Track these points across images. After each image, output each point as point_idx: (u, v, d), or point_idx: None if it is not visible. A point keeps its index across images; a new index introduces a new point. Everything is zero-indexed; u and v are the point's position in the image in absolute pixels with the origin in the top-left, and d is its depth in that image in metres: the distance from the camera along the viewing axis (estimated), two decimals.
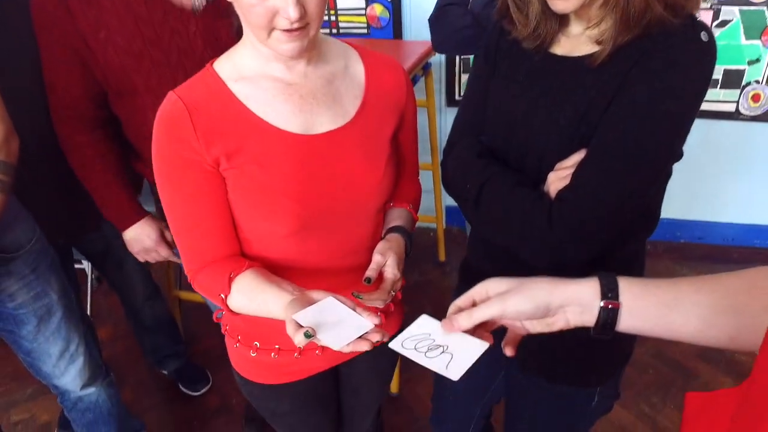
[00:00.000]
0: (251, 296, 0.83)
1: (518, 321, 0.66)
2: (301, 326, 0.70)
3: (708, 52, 0.74)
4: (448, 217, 3.01)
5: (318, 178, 0.86)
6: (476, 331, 0.68)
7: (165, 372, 2.10)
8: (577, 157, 0.80)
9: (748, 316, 0.56)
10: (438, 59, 2.63)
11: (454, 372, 0.65)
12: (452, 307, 0.69)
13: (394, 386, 2.01)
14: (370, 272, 0.88)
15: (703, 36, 0.74)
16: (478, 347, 0.67)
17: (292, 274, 0.92)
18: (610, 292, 0.60)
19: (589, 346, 0.93)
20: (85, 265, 2.52)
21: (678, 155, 0.82)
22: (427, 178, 2.66)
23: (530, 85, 0.86)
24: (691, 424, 0.61)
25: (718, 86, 2.42)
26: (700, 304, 0.58)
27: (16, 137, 1.14)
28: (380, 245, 0.92)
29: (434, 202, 2.63)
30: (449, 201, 3.16)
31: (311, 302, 0.75)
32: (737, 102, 2.46)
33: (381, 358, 1.14)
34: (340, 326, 0.71)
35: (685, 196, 2.66)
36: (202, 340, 2.32)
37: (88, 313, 2.48)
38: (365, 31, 2.63)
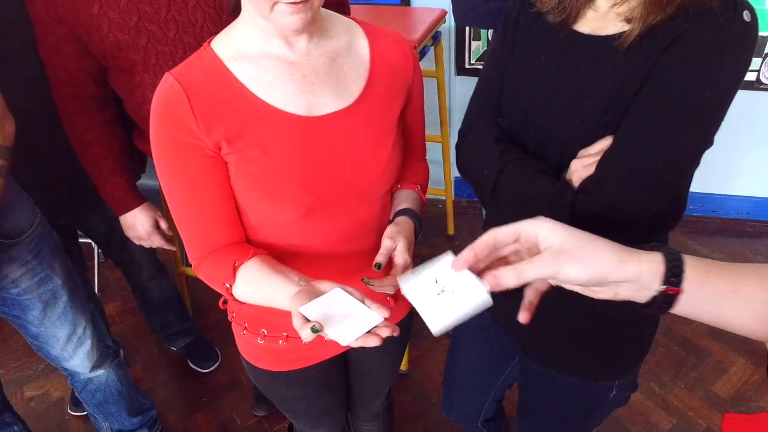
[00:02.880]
0: (256, 286, 0.81)
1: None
2: (308, 320, 0.68)
3: (750, 33, 0.68)
4: (457, 190, 2.96)
5: (323, 162, 0.83)
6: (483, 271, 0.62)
7: (174, 348, 2.11)
8: (603, 144, 0.75)
9: None
10: (447, 26, 2.54)
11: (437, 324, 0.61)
12: (488, 236, 0.60)
13: (403, 364, 2.01)
14: (380, 257, 0.85)
15: (746, 16, 0.68)
16: (479, 298, 0.60)
17: (299, 260, 0.90)
18: (674, 277, 0.55)
19: (610, 340, 0.91)
20: (91, 240, 2.52)
21: (710, 143, 0.77)
22: (436, 150, 2.60)
23: (553, 65, 0.81)
24: None
25: None
26: (757, 299, 0.54)
27: (11, 119, 1.11)
28: (389, 229, 0.89)
29: (443, 174, 2.59)
30: (458, 173, 3.11)
31: (318, 293, 0.72)
32: (758, 71, 2.37)
33: (389, 341, 1.13)
34: (348, 320, 0.69)
35: (699, 168, 2.58)
36: (210, 316, 2.32)
37: (96, 288, 2.48)
38: None
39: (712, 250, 2.54)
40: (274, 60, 0.80)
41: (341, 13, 0.93)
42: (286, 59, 0.81)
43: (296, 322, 0.69)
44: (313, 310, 0.69)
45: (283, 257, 0.87)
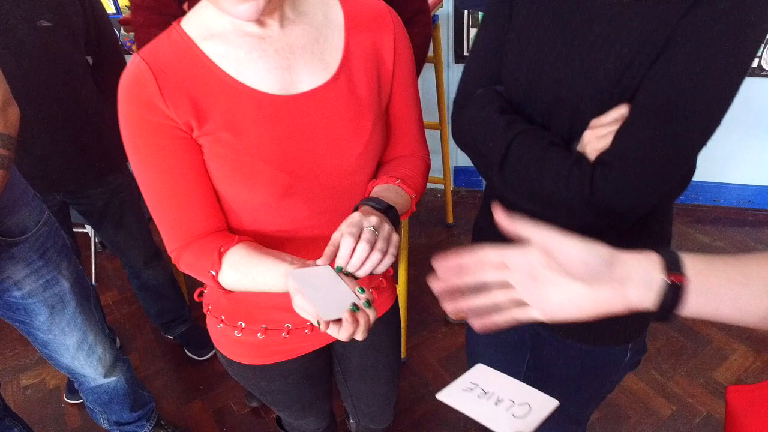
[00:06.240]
0: (245, 270, 0.76)
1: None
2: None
3: None
4: (456, 179, 2.94)
5: (299, 141, 0.79)
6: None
7: (171, 337, 2.09)
8: (617, 113, 0.72)
9: None
10: (445, 11, 2.51)
11: None
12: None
13: (401, 352, 2.00)
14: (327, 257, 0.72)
15: None
16: (549, 405, 0.61)
17: (283, 245, 0.86)
18: (672, 266, 0.53)
19: None
20: (89, 229, 2.50)
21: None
22: (434, 138, 2.58)
23: (559, 30, 0.76)
24: (740, 419, 0.58)
25: None
26: None
27: (15, 106, 1.04)
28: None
29: (442, 162, 2.56)
30: (457, 162, 3.09)
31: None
32: (760, 57, 2.35)
33: (378, 335, 1.10)
34: (332, 295, 0.66)
35: (699, 157, 2.54)
36: None
37: (93, 278, 2.47)
38: None
39: (713, 238, 2.53)
40: (244, 36, 0.76)
41: None
42: (257, 35, 0.77)
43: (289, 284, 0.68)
44: (302, 275, 0.68)
45: (266, 243, 0.83)
